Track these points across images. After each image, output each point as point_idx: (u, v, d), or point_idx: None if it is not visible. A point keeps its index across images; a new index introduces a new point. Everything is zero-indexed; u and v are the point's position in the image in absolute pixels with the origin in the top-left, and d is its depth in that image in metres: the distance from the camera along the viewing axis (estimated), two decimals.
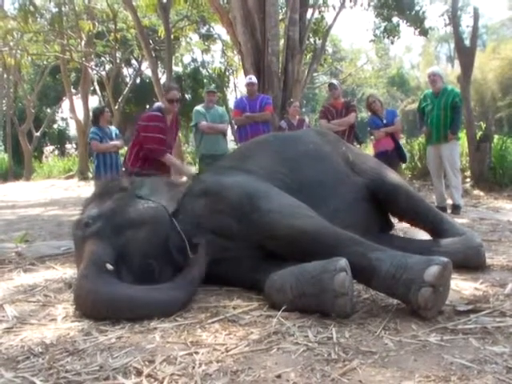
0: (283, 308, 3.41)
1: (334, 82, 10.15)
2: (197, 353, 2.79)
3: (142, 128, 6.36)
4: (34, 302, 4.02)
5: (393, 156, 8.99)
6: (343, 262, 3.25)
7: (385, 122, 9.26)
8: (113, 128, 9.67)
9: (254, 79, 9.76)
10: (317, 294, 3.27)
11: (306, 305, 3.36)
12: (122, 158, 7.35)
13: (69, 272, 5.01)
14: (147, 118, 6.43)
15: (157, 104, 6.71)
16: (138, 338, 3.07)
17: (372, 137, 9.96)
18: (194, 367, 2.61)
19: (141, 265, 3.89)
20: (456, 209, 8.55)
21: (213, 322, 3.32)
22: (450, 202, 8.92)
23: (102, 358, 2.79)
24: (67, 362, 2.74)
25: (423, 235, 5.24)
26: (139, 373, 2.57)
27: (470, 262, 4.48)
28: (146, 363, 2.67)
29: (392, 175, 5.23)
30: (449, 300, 3.43)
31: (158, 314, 3.45)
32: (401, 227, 5.81)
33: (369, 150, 14.32)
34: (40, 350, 2.91)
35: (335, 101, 9.60)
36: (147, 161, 6.40)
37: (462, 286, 3.99)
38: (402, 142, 12.56)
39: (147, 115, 6.50)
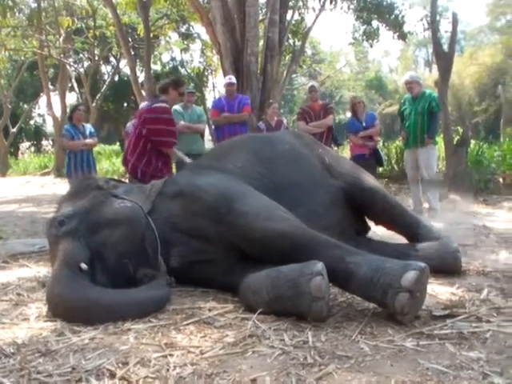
0: (259, 311, 3.39)
1: (315, 84, 10.18)
2: (171, 355, 2.77)
3: (150, 120, 6.26)
4: (7, 300, 3.98)
5: (370, 159, 9.01)
6: (320, 265, 3.24)
7: (364, 125, 9.28)
8: (88, 125, 9.58)
9: (234, 79, 9.74)
10: (293, 297, 3.25)
11: (282, 308, 3.34)
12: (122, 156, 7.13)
13: (42, 270, 4.98)
14: (158, 110, 6.32)
15: (159, 100, 6.58)
16: (112, 339, 3.04)
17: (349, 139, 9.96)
18: (168, 370, 2.59)
19: (116, 264, 3.88)
20: (432, 212, 8.57)
21: (187, 324, 3.30)
22: (426, 205, 8.94)
23: (75, 359, 2.76)
24: (39, 363, 2.71)
25: (400, 239, 5.24)
26: (112, 375, 2.54)
27: (447, 267, 4.49)
28: (120, 365, 2.65)
29: (369, 179, 5.23)
30: (425, 305, 3.43)
31: (134, 315, 3.43)
32: (377, 230, 5.80)
33: (346, 152, 14.36)
34: (11, 351, 2.88)
35: (313, 103, 9.60)
36: (155, 154, 6.33)
37: (438, 291, 3.99)
38: (379, 145, 12.58)
39: (158, 107, 6.36)
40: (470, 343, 2.88)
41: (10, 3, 20.92)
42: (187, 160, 6.49)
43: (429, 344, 2.88)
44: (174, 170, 7.19)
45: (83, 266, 3.64)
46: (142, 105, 10.28)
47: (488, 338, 2.95)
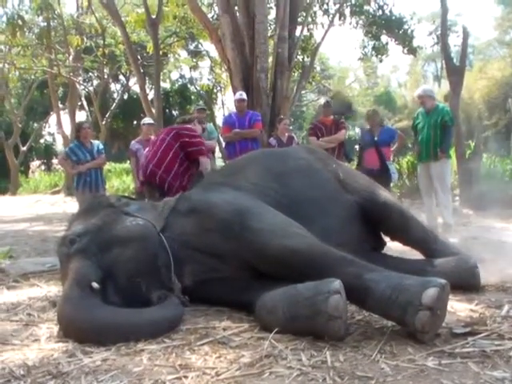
0: (275, 330, 3.30)
1: (329, 100, 10.17)
2: (186, 377, 2.69)
3: (185, 135, 6.68)
4: (17, 321, 3.91)
5: (378, 175, 8.87)
6: (337, 283, 3.16)
7: (376, 139, 9.20)
8: (96, 142, 9.37)
9: (245, 95, 9.71)
10: (310, 316, 3.17)
11: (299, 327, 3.26)
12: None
13: (53, 290, 4.91)
14: (191, 129, 6.87)
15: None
16: (125, 361, 2.96)
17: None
18: None
19: (128, 283, 3.79)
20: (447, 228, 8.48)
21: (202, 344, 3.22)
22: (440, 220, 8.84)
23: (87, 381, 2.68)
24: None
25: (416, 254, 5.16)
26: None
27: (465, 283, 4.40)
28: None
29: (384, 194, 5.17)
30: (445, 322, 3.34)
31: (147, 336, 3.34)
32: (393, 246, 5.71)
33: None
34: (22, 373, 2.80)
35: (325, 118, 9.58)
36: (182, 168, 6.63)
37: (458, 308, 3.91)
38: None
39: (190, 127, 6.92)
40: (493, 362, 2.79)
41: (20, 22, 20.98)
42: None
43: (451, 363, 2.79)
44: None
45: (94, 285, 3.56)
46: (147, 120, 10.37)
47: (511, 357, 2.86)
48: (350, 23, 21.20)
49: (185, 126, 6.84)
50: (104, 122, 28.87)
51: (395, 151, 10.20)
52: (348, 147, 9.76)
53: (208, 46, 30.86)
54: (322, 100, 10.25)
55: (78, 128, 9.54)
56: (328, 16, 20.68)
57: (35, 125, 42.41)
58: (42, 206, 21.54)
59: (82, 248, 3.85)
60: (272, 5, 18.43)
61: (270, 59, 14.26)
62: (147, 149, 8.15)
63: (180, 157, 6.48)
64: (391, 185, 10.44)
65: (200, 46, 33.33)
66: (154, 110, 18.35)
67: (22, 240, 9.40)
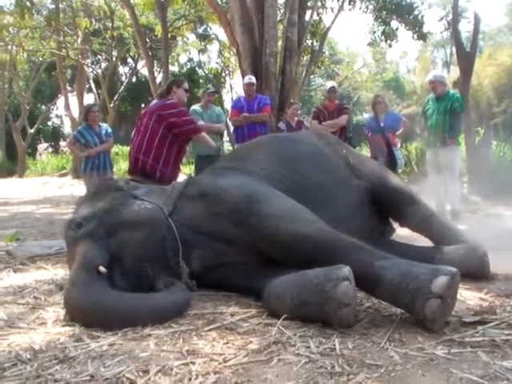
0: (283, 316, 3.28)
1: (335, 85, 10.11)
2: (193, 363, 2.66)
3: (169, 115, 6.24)
4: (24, 304, 3.89)
5: (385, 161, 8.81)
6: (346, 270, 3.13)
7: (382, 125, 9.12)
8: (104, 125, 9.41)
9: (254, 79, 9.64)
10: (319, 303, 3.14)
11: (307, 314, 3.23)
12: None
13: (60, 273, 4.89)
14: (173, 105, 6.35)
15: (167, 99, 6.62)
16: (132, 346, 2.94)
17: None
18: (190, 379, 2.48)
19: (135, 268, 3.77)
20: (455, 215, 8.42)
21: (209, 330, 3.19)
22: (448, 207, 8.79)
23: (94, 366, 2.66)
24: (56, 371, 2.62)
25: (425, 241, 5.12)
26: None
27: (474, 271, 4.36)
28: (140, 373, 2.55)
29: (394, 179, 5.16)
30: (454, 311, 3.31)
31: (154, 321, 3.32)
32: (402, 233, 5.68)
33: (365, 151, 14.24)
34: (28, 357, 2.78)
35: (329, 102, 9.53)
36: (171, 154, 6.33)
37: (467, 296, 3.88)
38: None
39: (170, 103, 6.38)
40: (503, 352, 2.76)
41: (28, 4, 20.90)
42: (213, 144, 6.77)
43: (460, 352, 2.76)
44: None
45: (101, 269, 3.54)
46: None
47: None
48: (360, 8, 21.09)
49: (165, 104, 6.41)
50: (112, 105, 28.83)
51: (400, 137, 10.10)
52: (353, 133, 9.66)
53: (217, 29, 30.89)
54: (328, 85, 10.08)
55: (86, 111, 9.50)
56: (338, 0, 20.56)
57: (43, 107, 42.46)
58: (50, 188, 21.54)
59: (89, 232, 3.82)
60: None
61: (280, 43, 14.19)
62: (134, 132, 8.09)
63: (168, 141, 6.22)
64: (399, 171, 10.37)
65: (209, 29, 33.35)
66: None
67: (29, 223, 9.41)
